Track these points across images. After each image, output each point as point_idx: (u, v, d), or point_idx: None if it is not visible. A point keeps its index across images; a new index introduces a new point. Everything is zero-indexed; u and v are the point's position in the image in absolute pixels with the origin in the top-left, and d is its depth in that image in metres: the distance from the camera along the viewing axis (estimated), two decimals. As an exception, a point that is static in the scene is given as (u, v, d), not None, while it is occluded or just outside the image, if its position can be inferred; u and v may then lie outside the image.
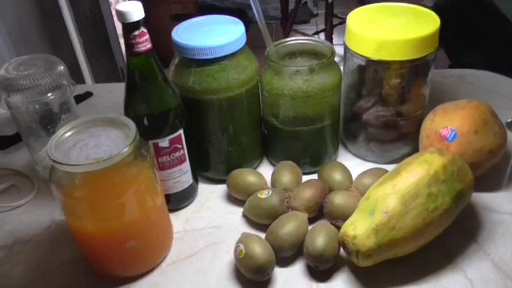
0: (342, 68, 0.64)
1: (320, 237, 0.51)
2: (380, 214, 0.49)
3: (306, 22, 2.98)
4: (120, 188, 0.48)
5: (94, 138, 0.49)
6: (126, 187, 0.48)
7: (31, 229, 0.62)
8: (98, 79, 1.72)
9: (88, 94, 0.88)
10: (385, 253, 0.49)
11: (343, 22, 2.30)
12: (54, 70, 0.62)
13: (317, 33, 2.57)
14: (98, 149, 0.47)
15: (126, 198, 0.48)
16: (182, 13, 2.33)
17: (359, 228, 0.49)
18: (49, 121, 0.64)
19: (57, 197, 0.48)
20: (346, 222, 0.51)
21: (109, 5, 1.98)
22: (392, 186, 0.50)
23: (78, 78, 1.59)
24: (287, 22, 2.40)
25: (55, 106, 0.64)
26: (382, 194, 0.50)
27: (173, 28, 0.59)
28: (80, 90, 0.88)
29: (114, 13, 1.96)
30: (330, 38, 2.30)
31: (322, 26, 2.47)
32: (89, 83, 1.61)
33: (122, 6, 0.48)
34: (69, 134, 0.49)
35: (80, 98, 0.86)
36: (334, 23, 2.30)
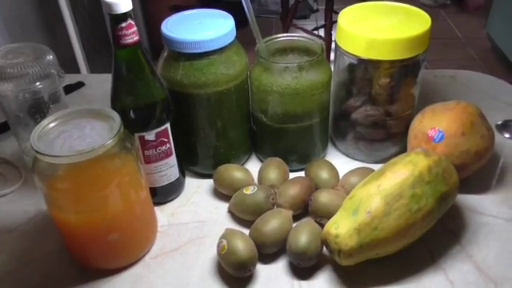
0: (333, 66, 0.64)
1: (303, 234, 0.51)
2: (363, 214, 0.49)
3: (305, 17, 2.97)
4: (103, 180, 0.47)
5: (79, 130, 0.49)
6: (109, 180, 0.48)
7: (17, 218, 0.61)
8: (94, 70, 1.71)
9: (79, 84, 0.87)
10: (366, 252, 0.49)
11: (343, 18, 2.28)
12: (43, 58, 0.61)
13: (316, 28, 2.56)
14: (81, 140, 0.47)
15: (109, 190, 0.48)
16: (181, 5, 2.32)
17: (342, 227, 0.49)
18: (37, 110, 0.64)
19: (39, 188, 0.48)
20: (330, 220, 0.51)
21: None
22: (376, 186, 0.50)
23: (74, 68, 1.58)
24: (287, 17, 2.39)
25: (44, 96, 0.63)
26: (367, 193, 0.50)
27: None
28: (73, 79, 0.88)
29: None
30: (329, 34, 2.29)
31: (322, 22, 2.46)
32: (84, 73, 1.60)
33: (109, -3, 0.48)
34: (53, 124, 0.49)
35: (71, 88, 0.85)
36: (333, 19, 2.29)
